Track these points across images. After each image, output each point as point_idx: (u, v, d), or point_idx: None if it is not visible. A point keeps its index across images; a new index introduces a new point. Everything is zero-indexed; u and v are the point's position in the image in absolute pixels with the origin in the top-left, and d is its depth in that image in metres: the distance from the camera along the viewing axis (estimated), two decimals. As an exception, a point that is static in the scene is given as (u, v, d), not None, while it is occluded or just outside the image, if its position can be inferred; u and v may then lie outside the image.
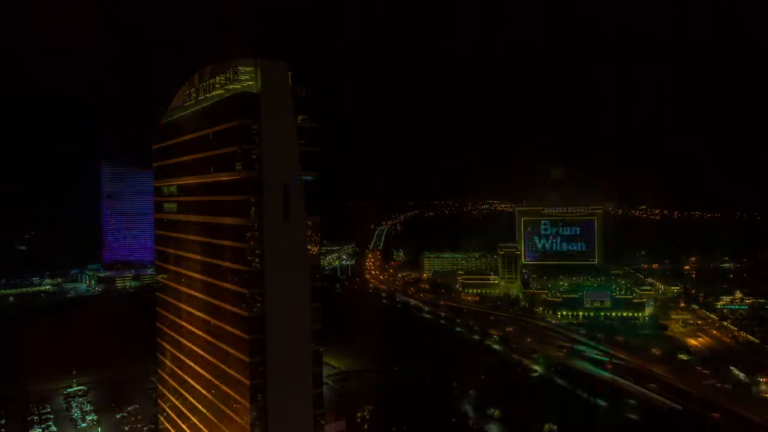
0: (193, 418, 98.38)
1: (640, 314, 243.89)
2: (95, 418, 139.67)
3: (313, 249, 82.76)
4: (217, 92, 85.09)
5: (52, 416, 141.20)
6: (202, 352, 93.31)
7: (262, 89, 77.35)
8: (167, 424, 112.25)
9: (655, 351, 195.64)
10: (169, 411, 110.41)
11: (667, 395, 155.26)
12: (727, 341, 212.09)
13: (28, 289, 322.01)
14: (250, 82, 79.00)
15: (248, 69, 78.73)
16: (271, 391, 77.97)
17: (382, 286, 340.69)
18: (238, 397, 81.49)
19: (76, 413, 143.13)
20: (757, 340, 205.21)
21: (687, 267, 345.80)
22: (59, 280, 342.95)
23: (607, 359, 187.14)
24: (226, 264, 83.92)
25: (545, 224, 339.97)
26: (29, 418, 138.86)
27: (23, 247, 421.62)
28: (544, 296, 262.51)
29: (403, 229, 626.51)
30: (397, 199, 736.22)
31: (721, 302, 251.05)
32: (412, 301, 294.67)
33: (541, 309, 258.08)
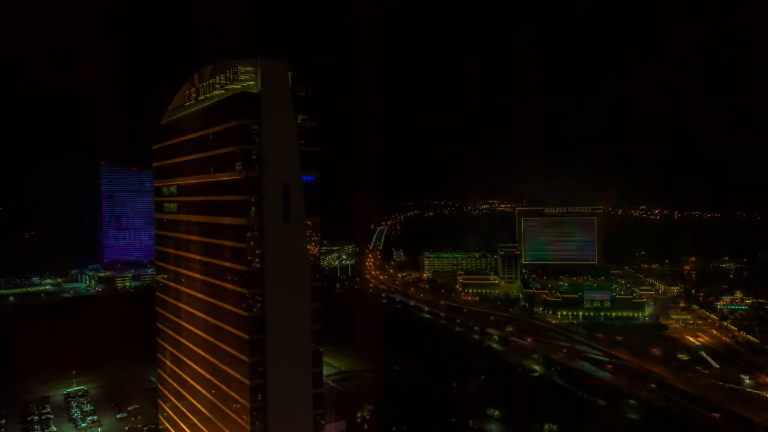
0: (193, 418, 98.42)
1: (640, 314, 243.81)
2: (95, 418, 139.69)
3: (313, 249, 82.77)
4: (217, 92, 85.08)
5: (52, 416, 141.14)
6: (202, 352, 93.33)
7: (262, 89, 77.33)
8: (167, 424, 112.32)
9: (655, 351, 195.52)
10: (169, 411, 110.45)
11: (667, 395, 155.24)
12: (727, 341, 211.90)
13: (28, 289, 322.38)
14: (250, 82, 78.97)
15: (248, 69, 78.70)
16: (271, 391, 78.00)
17: (382, 286, 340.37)
18: (238, 397, 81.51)
19: (76, 413, 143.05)
20: (757, 340, 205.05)
21: (687, 267, 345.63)
22: (59, 280, 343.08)
23: (607, 359, 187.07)
24: (226, 264, 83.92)
25: (545, 224, 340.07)
26: (29, 418, 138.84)
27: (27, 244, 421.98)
28: (544, 296, 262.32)
29: (403, 229, 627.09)
30: (397, 199, 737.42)
31: (721, 302, 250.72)
32: (412, 301, 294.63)
33: (541, 309, 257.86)
